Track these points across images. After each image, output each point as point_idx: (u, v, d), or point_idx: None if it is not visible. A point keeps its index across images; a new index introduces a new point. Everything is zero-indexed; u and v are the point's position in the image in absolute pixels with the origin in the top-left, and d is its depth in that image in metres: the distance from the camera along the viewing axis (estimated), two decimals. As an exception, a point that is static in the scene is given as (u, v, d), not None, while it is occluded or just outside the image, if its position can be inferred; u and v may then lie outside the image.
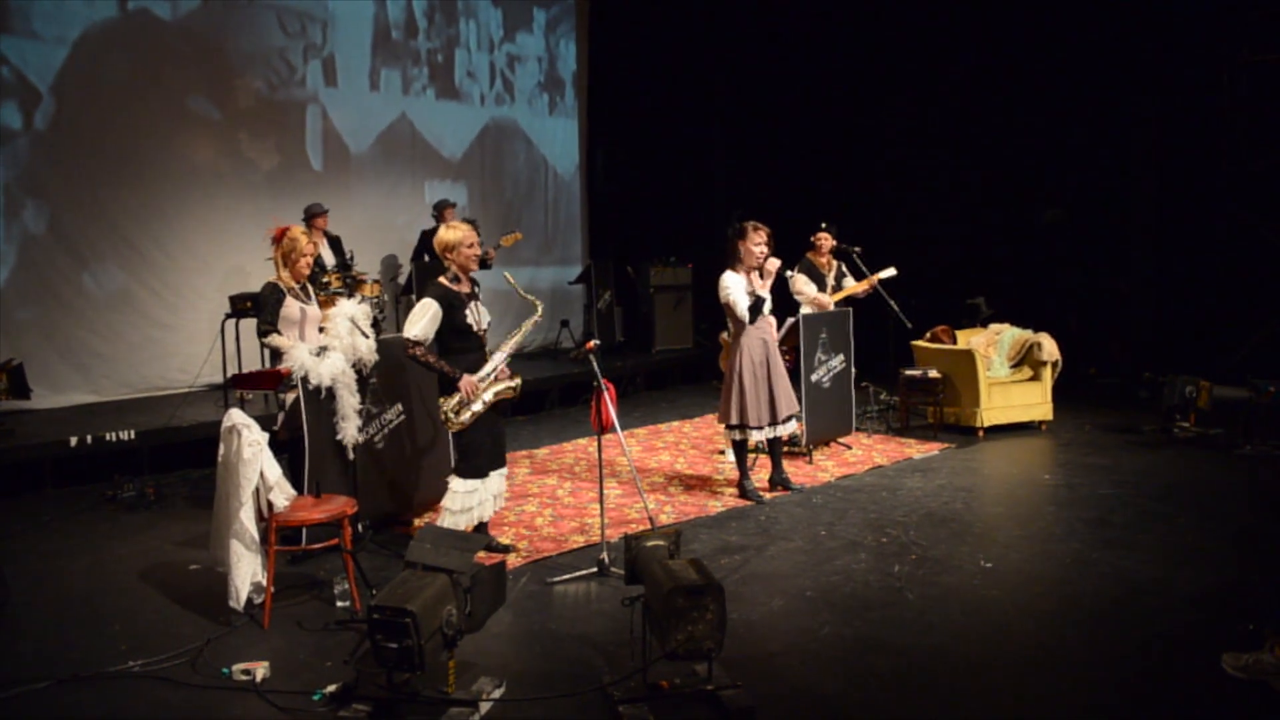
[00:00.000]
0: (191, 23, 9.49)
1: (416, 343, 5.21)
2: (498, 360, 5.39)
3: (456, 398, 5.24)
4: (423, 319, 5.22)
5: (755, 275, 6.56)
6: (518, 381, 5.48)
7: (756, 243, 6.44)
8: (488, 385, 5.35)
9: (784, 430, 6.67)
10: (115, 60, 9.03)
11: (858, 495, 6.78)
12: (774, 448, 6.81)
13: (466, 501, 5.35)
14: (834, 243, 8.43)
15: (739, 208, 7.07)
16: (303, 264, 5.80)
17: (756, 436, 6.59)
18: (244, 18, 9.86)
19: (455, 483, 5.37)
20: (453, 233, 5.34)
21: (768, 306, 6.55)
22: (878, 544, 5.73)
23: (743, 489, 6.74)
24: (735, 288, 6.46)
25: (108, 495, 6.97)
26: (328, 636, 4.56)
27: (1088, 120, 11.49)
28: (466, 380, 5.24)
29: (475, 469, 5.36)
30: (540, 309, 5.61)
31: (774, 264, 6.45)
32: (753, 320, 6.44)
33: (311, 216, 9.53)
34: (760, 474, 7.18)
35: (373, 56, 11.01)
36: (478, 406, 5.29)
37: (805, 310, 8.27)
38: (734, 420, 6.59)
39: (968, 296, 10.00)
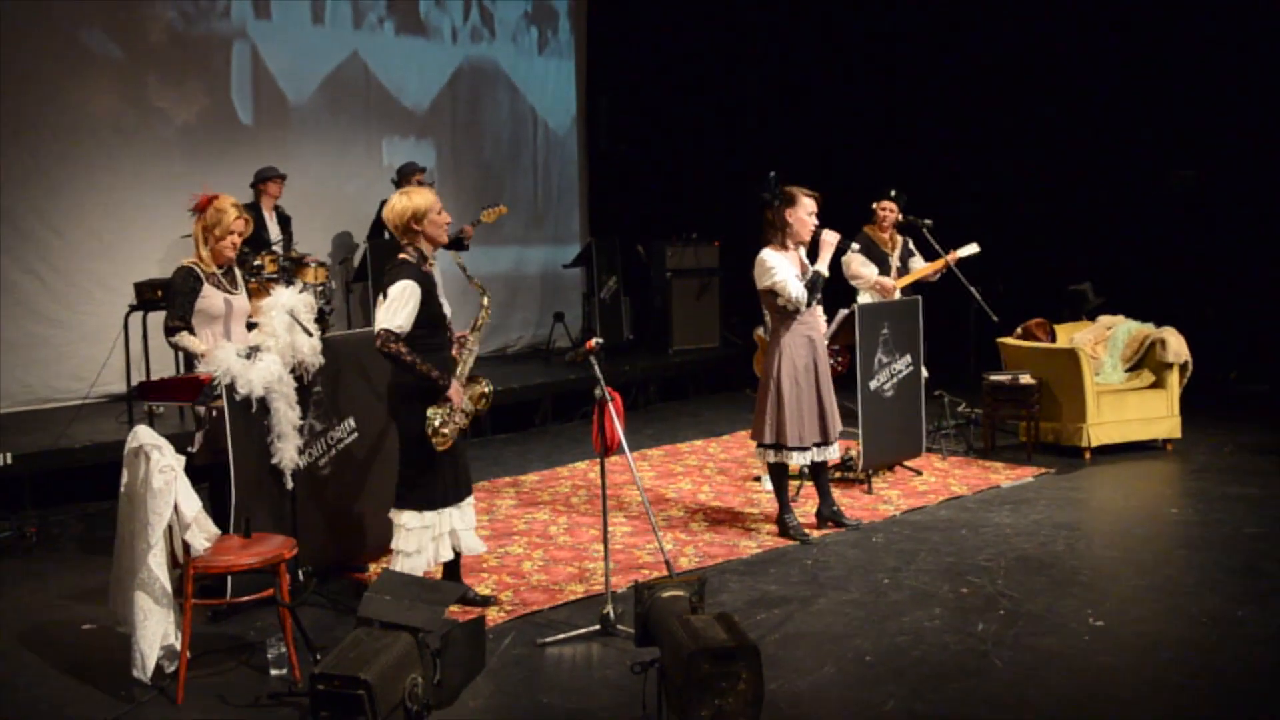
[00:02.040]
0: (87, -62, 9.53)
1: (399, 337, 5.17)
2: (470, 362, 5.45)
3: (446, 406, 5.26)
4: (406, 306, 5.18)
5: (802, 254, 6.53)
6: (491, 388, 5.51)
7: (810, 210, 6.42)
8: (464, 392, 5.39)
9: (834, 453, 6.64)
10: (-10, -14, 9.06)
11: (930, 534, 6.76)
12: (820, 474, 6.79)
13: (422, 539, 5.34)
14: (899, 215, 8.40)
15: (774, 170, 7.03)
16: (227, 244, 5.80)
17: (799, 459, 6.57)
18: (153, -68, 9.91)
19: (405, 517, 5.35)
20: (419, 197, 5.32)
21: (818, 289, 6.53)
22: (956, 596, 5.70)
23: (783, 525, 6.72)
24: (781, 268, 6.43)
25: (-19, 535, 6.98)
26: (260, 713, 4.54)
27: (1228, 57, 11.42)
28: (457, 387, 5.29)
29: (432, 497, 5.35)
30: (488, 302, 5.61)
31: (831, 236, 6.44)
32: (809, 303, 6.42)
33: (262, 181, 9.57)
34: (806, 506, 7.17)
35: (316, -19, 11.06)
36: (460, 418, 5.33)
37: (863, 298, 8.25)
38: (769, 438, 6.58)
39: (1070, 281, 9.95)
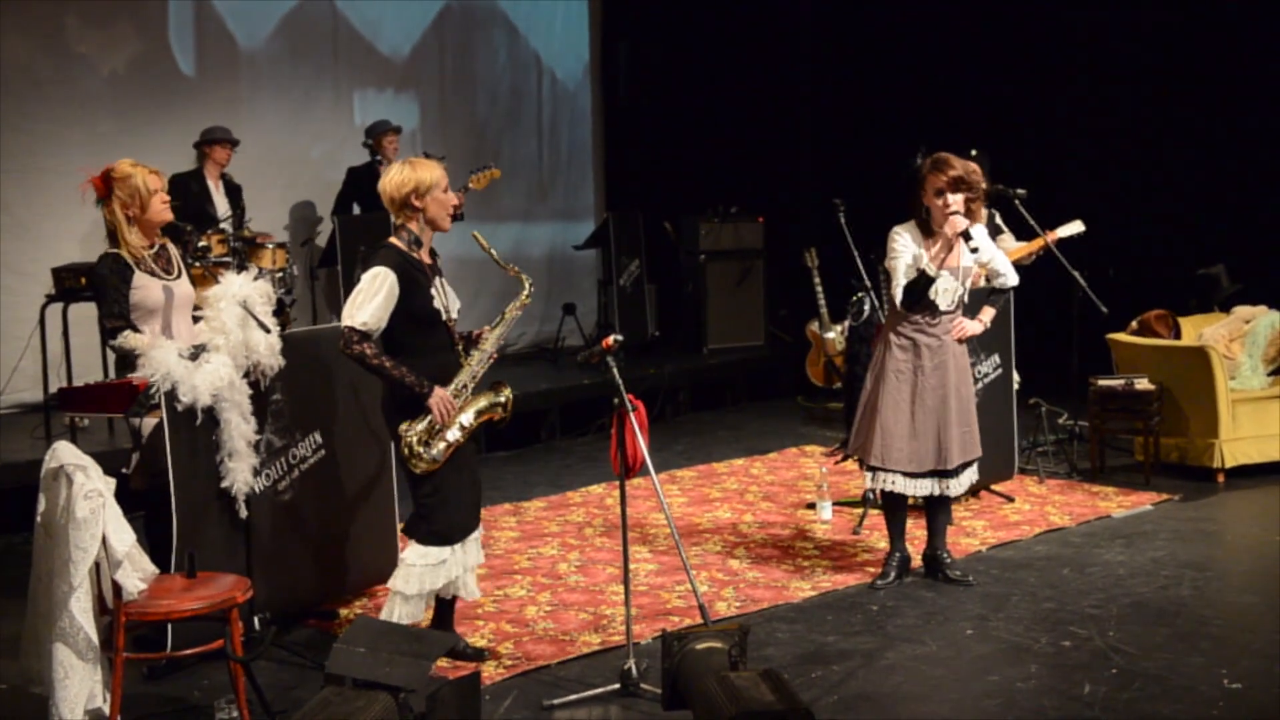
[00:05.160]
0: None
1: (365, 336, 5.20)
2: (477, 365, 5.43)
3: (425, 421, 5.26)
4: (375, 298, 5.20)
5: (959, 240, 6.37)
6: (507, 395, 5.50)
7: (936, 187, 6.27)
8: (466, 402, 5.38)
9: (958, 486, 6.57)
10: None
11: (1024, 574, 6.75)
12: (933, 510, 6.71)
13: (430, 580, 5.34)
14: (984, 182, 8.38)
15: (924, 140, 6.87)
16: (157, 204, 5.79)
17: (903, 487, 6.48)
18: None
19: (412, 552, 5.38)
20: (424, 169, 5.35)
21: (948, 294, 6.37)
22: (1057, 650, 5.69)
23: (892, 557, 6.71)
24: (904, 252, 6.34)
25: None
26: (205, 791, 4.58)
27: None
28: (440, 396, 5.26)
29: (443, 531, 5.36)
30: (530, 287, 5.64)
31: (956, 224, 6.23)
32: (909, 305, 6.33)
33: (209, 144, 9.62)
34: (870, 539, 7.17)
35: (272, -100, 11.10)
36: (455, 435, 5.31)
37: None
38: (873, 459, 6.50)
39: (1200, 264, 9.91)
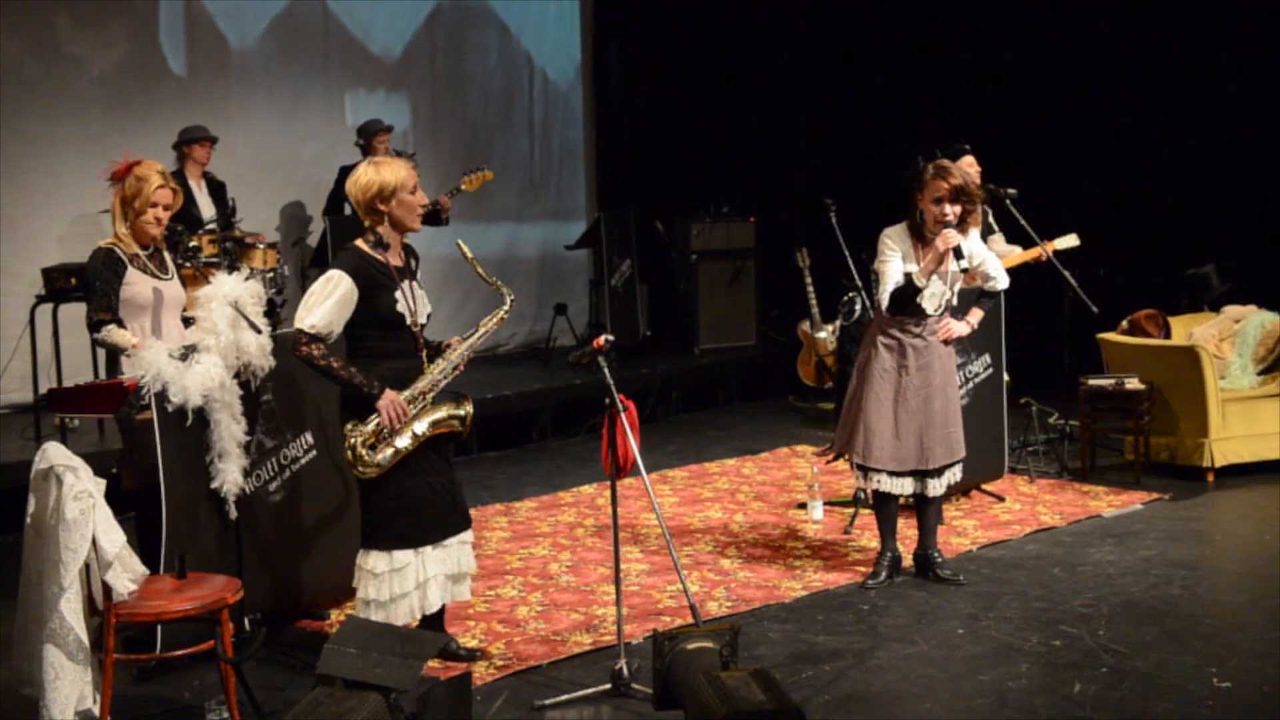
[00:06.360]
0: None
1: (314, 338, 5.18)
2: (439, 374, 5.37)
3: (373, 424, 5.24)
4: (326, 301, 5.19)
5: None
6: (468, 410, 5.43)
7: (935, 195, 6.27)
8: (422, 410, 5.33)
9: (938, 486, 6.59)
10: None
11: (1015, 573, 6.75)
12: (923, 509, 6.72)
13: (396, 585, 5.31)
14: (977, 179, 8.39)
15: (959, 142, 6.86)
16: (149, 219, 5.82)
17: (886, 485, 6.51)
18: None
19: (370, 559, 5.33)
20: (389, 171, 5.32)
21: (935, 299, 6.38)
22: (1047, 649, 5.70)
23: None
24: (895, 255, 6.35)
25: None
26: (196, 792, 4.57)
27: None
28: (390, 399, 5.21)
29: (400, 535, 5.32)
30: (510, 301, 5.61)
31: (949, 239, 6.21)
32: (894, 311, 6.35)
33: (187, 144, 9.60)
34: (862, 539, 7.18)
35: (263, -101, 11.09)
36: (404, 442, 5.26)
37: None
38: (856, 456, 6.52)
39: (1189, 263, 9.92)
